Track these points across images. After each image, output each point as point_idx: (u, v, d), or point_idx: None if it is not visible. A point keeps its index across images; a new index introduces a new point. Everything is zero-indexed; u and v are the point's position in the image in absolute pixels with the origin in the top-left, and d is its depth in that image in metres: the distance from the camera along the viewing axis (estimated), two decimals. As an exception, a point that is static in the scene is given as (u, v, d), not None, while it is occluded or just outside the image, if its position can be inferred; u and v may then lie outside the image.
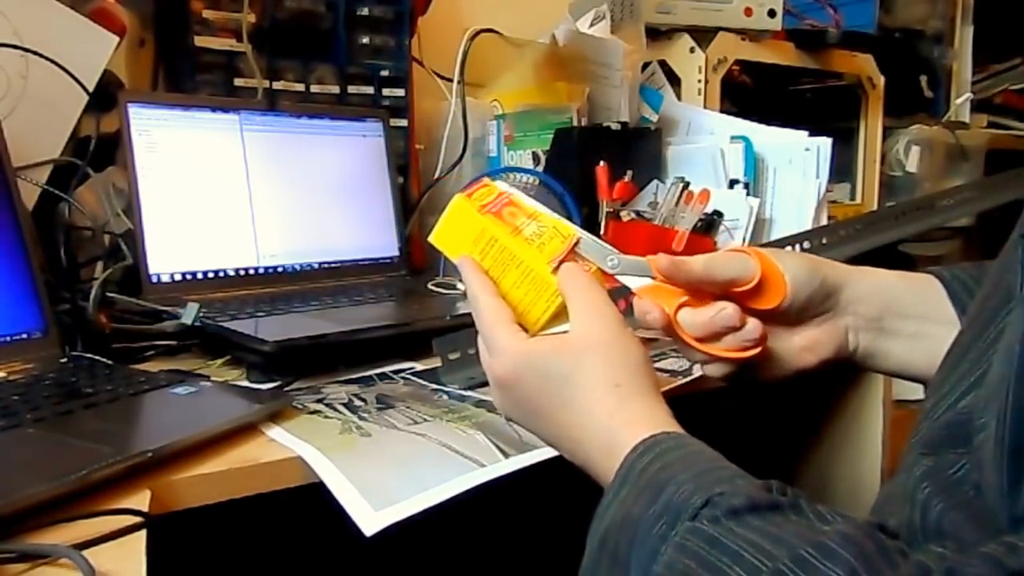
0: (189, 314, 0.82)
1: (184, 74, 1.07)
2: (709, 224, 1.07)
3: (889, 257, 1.05)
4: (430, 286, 1.05)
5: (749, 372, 0.62)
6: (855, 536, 0.38)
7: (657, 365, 0.83)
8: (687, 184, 1.07)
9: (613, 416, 0.51)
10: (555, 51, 1.31)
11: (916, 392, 1.39)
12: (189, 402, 0.67)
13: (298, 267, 1.06)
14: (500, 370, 0.55)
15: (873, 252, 1.03)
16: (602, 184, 1.09)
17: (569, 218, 1.08)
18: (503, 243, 0.58)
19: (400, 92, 1.21)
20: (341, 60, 1.17)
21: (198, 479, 0.56)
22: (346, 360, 0.81)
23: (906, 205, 1.42)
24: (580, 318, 0.55)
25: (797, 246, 0.99)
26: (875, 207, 1.56)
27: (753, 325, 0.59)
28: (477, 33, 1.30)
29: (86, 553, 0.44)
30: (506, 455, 0.60)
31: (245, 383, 0.75)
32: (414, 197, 1.23)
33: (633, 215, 1.11)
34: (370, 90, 1.19)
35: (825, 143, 1.21)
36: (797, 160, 1.21)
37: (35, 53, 0.92)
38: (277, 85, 1.11)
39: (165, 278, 0.94)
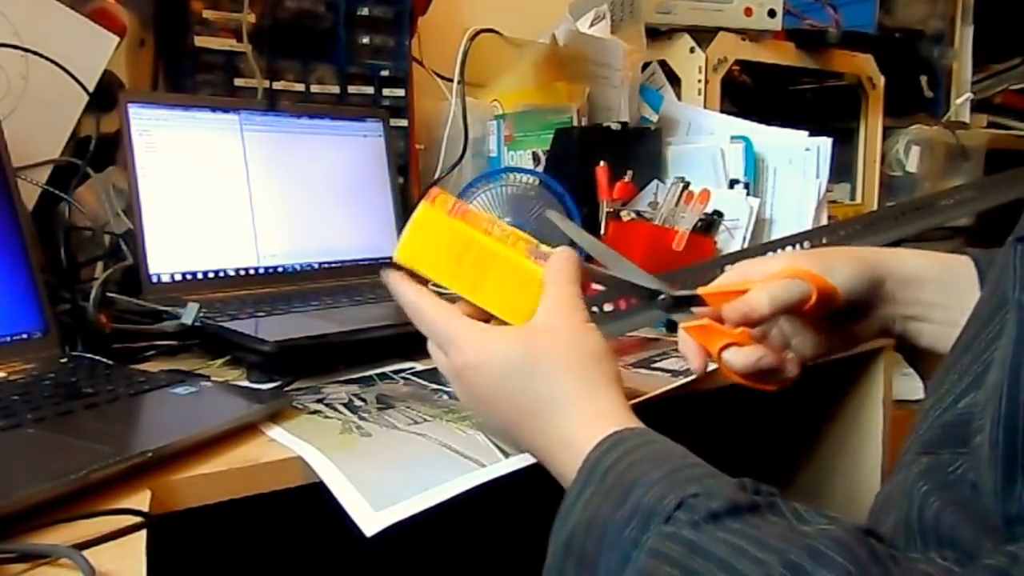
0: (189, 314, 0.82)
1: (184, 74, 1.07)
2: (709, 224, 1.07)
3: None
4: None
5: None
6: (847, 540, 0.38)
7: (657, 365, 0.83)
8: (687, 184, 1.07)
9: (574, 404, 0.51)
10: (555, 51, 1.32)
11: (916, 392, 1.40)
12: (189, 402, 0.67)
13: (298, 267, 1.06)
14: (460, 361, 0.55)
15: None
16: (602, 184, 1.09)
17: (570, 218, 1.08)
18: (481, 243, 0.58)
19: (400, 92, 1.22)
20: (341, 60, 1.17)
21: (198, 479, 0.56)
22: (346, 360, 0.81)
23: (906, 205, 1.42)
24: (545, 308, 0.55)
25: (797, 246, 0.99)
26: (875, 207, 1.56)
27: (792, 364, 0.62)
28: (477, 33, 1.30)
29: (86, 553, 0.44)
30: (506, 455, 0.60)
31: (245, 383, 0.75)
32: (414, 197, 1.23)
33: (633, 215, 1.11)
34: (370, 90, 1.19)
35: (825, 143, 1.21)
36: (797, 160, 1.21)
37: (35, 53, 0.92)
38: (277, 85, 1.12)
39: (165, 278, 0.94)
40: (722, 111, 1.30)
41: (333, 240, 1.09)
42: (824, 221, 1.20)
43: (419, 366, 0.81)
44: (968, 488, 0.42)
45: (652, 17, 1.29)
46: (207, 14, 1.06)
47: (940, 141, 1.68)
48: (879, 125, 1.54)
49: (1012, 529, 0.38)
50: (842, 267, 0.63)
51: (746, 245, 1.13)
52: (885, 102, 1.54)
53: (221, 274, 0.99)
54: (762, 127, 1.23)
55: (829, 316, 0.65)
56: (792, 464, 1.13)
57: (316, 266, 1.07)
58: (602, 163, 1.09)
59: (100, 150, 0.96)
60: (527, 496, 0.52)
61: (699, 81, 1.29)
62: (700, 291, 0.63)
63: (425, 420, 0.67)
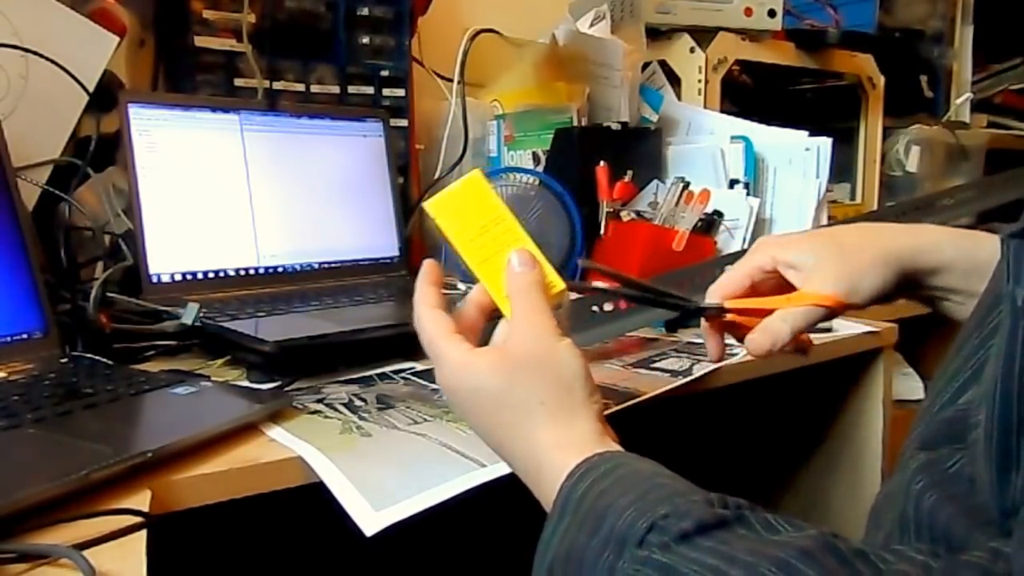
0: (189, 314, 0.82)
1: (184, 74, 1.07)
2: (709, 224, 1.07)
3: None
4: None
5: None
6: (813, 550, 0.39)
7: (657, 365, 0.83)
8: (687, 184, 1.07)
9: (538, 435, 0.51)
10: (555, 51, 1.32)
11: (916, 392, 1.39)
12: (189, 402, 0.67)
13: (298, 267, 1.06)
14: (442, 381, 0.56)
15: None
16: (602, 184, 1.09)
17: (570, 218, 1.07)
18: (511, 225, 0.58)
19: (400, 92, 1.22)
20: (341, 60, 1.17)
21: (198, 479, 0.56)
22: (346, 360, 0.81)
23: (906, 205, 1.43)
24: (516, 330, 0.54)
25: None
26: (875, 207, 1.56)
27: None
28: (477, 33, 1.30)
29: (86, 553, 0.44)
30: (506, 455, 0.60)
31: (245, 383, 0.75)
32: (414, 197, 1.23)
33: (633, 215, 1.11)
34: (370, 90, 1.19)
35: (825, 143, 1.21)
36: (797, 160, 1.21)
37: (35, 53, 0.92)
38: (277, 85, 1.12)
39: (165, 278, 0.94)
40: (722, 111, 1.30)
41: (333, 240, 1.09)
42: (824, 221, 1.20)
43: (419, 366, 0.81)
44: (965, 483, 0.43)
45: (652, 17, 1.29)
46: (207, 14, 1.06)
47: (940, 141, 1.68)
48: (879, 125, 1.55)
49: (1006, 522, 0.39)
50: (869, 279, 0.63)
51: (746, 245, 1.13)
52: (885, 102, 1.54)
53: (221, 274, 0.99)
54: (762, 127, 1.23)
55: None
56: (792, 464, 1.13)
57: (316, 266, 1.07)
58: (602, 163, 1.09)
59: (100, 150, 0.96)
60: (527, 496, 0.52)
61: (699, 81, 1.29)
62: (727, 304, 0.65)
63: (425, 420, 0.67)
